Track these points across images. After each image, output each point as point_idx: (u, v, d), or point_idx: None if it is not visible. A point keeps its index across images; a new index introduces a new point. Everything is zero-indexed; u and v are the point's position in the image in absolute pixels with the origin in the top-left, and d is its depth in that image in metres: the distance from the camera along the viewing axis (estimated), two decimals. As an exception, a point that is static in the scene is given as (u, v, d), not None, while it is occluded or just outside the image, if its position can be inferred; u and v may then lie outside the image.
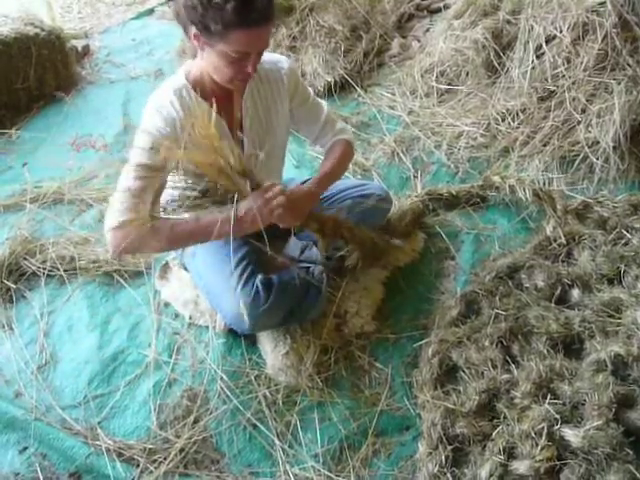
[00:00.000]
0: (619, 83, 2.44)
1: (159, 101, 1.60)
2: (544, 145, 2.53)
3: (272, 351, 1.79)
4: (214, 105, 1.46)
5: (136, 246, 1.57)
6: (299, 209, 1.64)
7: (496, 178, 2.34)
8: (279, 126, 1.81)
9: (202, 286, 1.86)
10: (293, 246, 1.95)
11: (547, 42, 2.67)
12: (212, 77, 1.59)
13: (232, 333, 1.88)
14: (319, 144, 1.96)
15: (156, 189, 1.58)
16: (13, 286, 2.08)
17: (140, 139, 1.57)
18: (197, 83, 1.62)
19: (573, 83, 2.55)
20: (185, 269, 1.99)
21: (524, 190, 2.25)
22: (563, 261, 2.01)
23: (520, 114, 2.66)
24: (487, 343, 1.73)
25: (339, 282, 1.94)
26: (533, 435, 1.45)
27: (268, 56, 1.77)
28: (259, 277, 1.72)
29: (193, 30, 1.47)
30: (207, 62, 1.55)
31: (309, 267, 1.84)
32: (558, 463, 1.41)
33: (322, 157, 2.15)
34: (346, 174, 2.47)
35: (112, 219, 1.55)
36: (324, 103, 1.93)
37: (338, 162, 1.85)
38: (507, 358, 1.70)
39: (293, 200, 1.60)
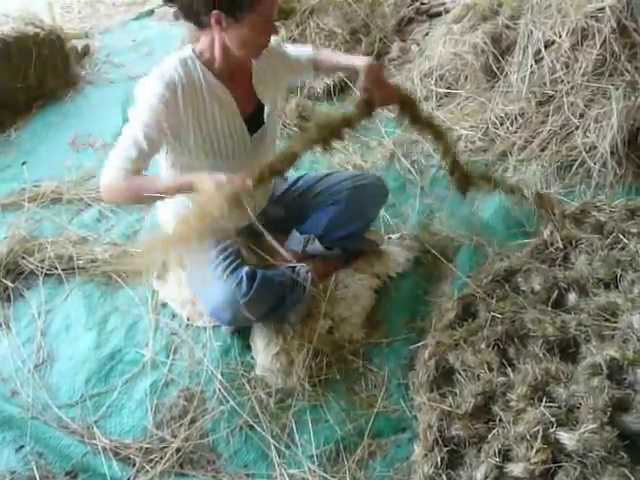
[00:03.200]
0: (617, 88, 2.45)
1: (163, 67, 1.66)
2: (542, 150, 2.55)
3: (263, 350, 1.79)
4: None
5: (121, 200, 1.82)
6: None
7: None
8: (278, 97, 1.91)
9: (190, 279, 1.87)
10: (295, 240, 1.97)
11: (546, 47, 2.68)
12: (223, 56, 1.64)
13: (231, 334, 1.88)
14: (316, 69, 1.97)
15: (148, 155, 1.67)
16: (11, 285, 2.07)
17: (140, 108, 1.65)
18: (204, 58, 1.68)
19: (571, 88, 2.57)
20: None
21: (522, 194, 2.25)
22: (560, 265, 2.02)
23: (518, 118, 2.67)
24: (483, 346, 1.73)
25: (326, 285, 1.95)
26: (528, 438, 1.45)
27: None
28: (245, 269, 1.73)
29: (215, 15, 1.53)
30: (233, 41, 1.60)
31: (295, 266, 1.86)
32: (553, 466, 1.42)
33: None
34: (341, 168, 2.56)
35: (107, 177, 1.63)
36: (297, 50, 1.98)
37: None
38: (503, 361, 1.70)
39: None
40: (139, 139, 1.61)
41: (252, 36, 1.59)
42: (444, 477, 1.47)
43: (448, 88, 3.03)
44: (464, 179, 2.07)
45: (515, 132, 2.65)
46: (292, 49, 1.96)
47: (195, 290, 1.88)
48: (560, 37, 2.62)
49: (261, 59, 1.76)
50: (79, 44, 3.96)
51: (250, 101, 1.80)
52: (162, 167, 1.84)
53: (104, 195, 1.68)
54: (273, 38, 1.82)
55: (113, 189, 1.63)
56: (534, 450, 1.43)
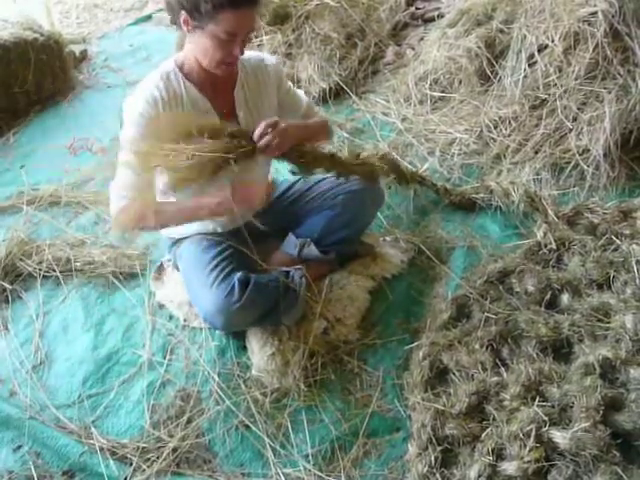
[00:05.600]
0: (610, 92, 2.47)
1: (144, 85, 1.68)
2: (536, 152, 2.56)
3: (259, 351, 1.80)
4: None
5: (136, 228, 1.79)
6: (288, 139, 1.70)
7: (493, 184, 2.37)
8: (268, 117, 1.82)
9: (185, 282, 1.88)
10: (291, 244, 1.97)
11: (539, 51, 2.70)
12: (200, 63, 1.65)
13: (227, 335, 1.89)
14: None
15: (150, 175, 1.69)
16: (9, 287, 2.09)
17: (128, 130, 1.67)
18: (185, 68, 1.70)
19: (564, 92, 2.58)
20: (178, 270, 2.00)
21: (516, 196, 2.27)
22: (553, 266, 2.03)
23: (512, 122, 2.68)
24: (477, 346, 1.74)
25: (321, 286, 1.96)
26: (522, 436, 1.46)
27: (254, 53, 1.87)
28: (238, 275, 1.74)
29: (183, 15, 1.54)
30: (196, 46, 1.61)
31: (289, 271, 1.87)
32: (546, 464, 1.43)
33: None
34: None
35: (113, 206, 1.73)
36: (303, 94, 2.03)
37: (318, 125, 1.96)
38: (497, 361, 1.71)
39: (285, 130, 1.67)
40: None
41: (211, 47, 1.58)
42: (438, 476, 1.48)
43: (442, 92, 3.05)
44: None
45: (509, 135, 2.67)
46: (302, 95, 2.02)
47: (190, 295, 1.89)
48: (553, 41, 2.64)
49: (250, 74, 1.78)
50: (77, 49, 3.98)
51: (234, 113, 1.80)
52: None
53: (117, 224, 1.78)
54: (272, 59, 1.86)
55: (125, 214, 1.70)
56: (527, 449, 1.43)
